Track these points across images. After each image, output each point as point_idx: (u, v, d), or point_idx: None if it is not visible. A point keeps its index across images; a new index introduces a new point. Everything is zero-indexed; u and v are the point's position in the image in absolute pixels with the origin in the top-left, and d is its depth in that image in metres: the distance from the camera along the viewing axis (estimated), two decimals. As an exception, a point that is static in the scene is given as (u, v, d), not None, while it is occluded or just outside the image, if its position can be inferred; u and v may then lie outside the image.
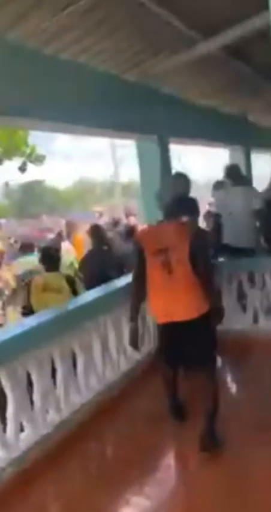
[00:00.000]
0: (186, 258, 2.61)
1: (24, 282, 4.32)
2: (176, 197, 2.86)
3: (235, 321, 4.27)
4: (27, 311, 3.73)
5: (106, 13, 3.19)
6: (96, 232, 5.09)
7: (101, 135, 4.33)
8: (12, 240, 8.63)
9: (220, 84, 5.34)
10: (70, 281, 3.83)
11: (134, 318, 2.86)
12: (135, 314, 2.87)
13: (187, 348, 2.73)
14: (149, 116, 4.41)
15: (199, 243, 2.64)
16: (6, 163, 6.89)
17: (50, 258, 3.96)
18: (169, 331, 2.78)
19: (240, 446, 2.68)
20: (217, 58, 4.59)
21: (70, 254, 6.30)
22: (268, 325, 4.26)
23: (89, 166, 69.53)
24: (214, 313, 2.73)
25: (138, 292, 2.85)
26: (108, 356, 3.53)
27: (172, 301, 2.67)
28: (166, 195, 3.03)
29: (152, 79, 4.38)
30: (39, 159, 7.45)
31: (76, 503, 2.41)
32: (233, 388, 3.75)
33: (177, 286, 2.65)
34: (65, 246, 6.48)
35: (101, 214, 16.63)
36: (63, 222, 9.54)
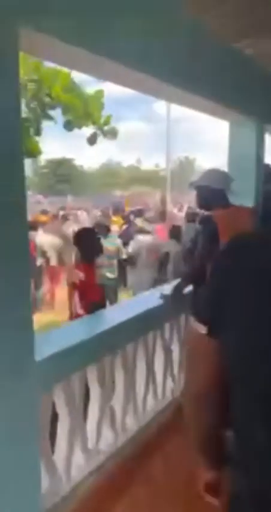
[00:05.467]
0: None
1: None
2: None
3: None
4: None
5: None
6: None
7: (197, 107, 3.76)
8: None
9: None
10: None
11: None
12: None
13: None
14: (252, 95, 3.88)
15: None
16: (76, 131, 5.77)
17: None
18: None
19: None
20: None
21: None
22: None
23: (120, 148, 68.77)
24: None
25: None
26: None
27: None
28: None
29: (264, 56, 3.87)
30: (112, 133, 6.10)
31: None
32: None
33: None
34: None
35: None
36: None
